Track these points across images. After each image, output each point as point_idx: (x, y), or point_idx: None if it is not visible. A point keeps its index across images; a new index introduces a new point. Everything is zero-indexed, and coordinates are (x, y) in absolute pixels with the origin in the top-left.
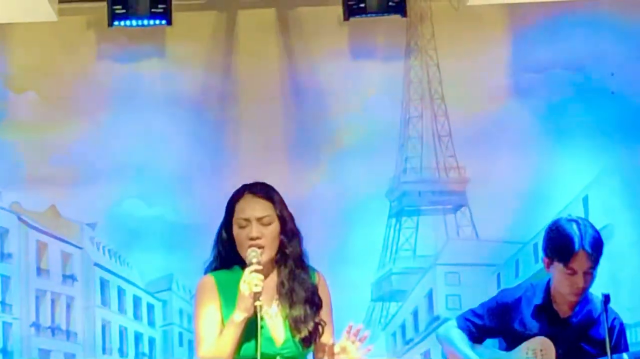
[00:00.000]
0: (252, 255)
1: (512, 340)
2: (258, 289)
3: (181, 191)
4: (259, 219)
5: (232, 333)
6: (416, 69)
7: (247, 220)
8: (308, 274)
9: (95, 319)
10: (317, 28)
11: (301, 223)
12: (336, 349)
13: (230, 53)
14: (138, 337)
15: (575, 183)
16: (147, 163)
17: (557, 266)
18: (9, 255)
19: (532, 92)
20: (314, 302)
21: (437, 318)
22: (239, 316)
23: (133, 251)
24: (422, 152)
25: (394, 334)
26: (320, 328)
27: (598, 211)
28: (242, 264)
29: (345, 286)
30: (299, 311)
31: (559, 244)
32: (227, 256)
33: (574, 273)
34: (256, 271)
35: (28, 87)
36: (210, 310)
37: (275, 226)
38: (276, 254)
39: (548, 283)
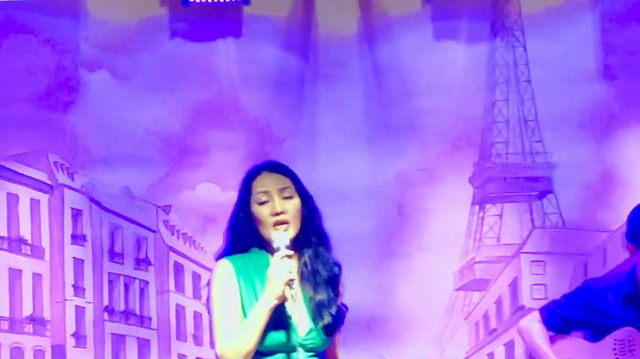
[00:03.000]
0: (279, 239)
1: (599, 331)
2: (292, 275)
3: None
4: (280, 192)
5: (260, 322)
6: (502, 51)
7: (268, 194)
8: (330, 254)
9: (170, 304)
10: (399, 7)
11: (379, 210)
12: None
13: (309, 32)
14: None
15: None
16: (221, 146)
17: None
18: (83, 237)
19: (622, 75)
20: (336, 283)
21: (522, 307)
22: (269, 302)
23: (208, 235)
24: (509, 137)
25: (476, 324)
26: (343, 313)
27: None
28: (260, 245)
29: (428, 274)
30: (322, 295)
31: None
32: (245, 239)
33: None
34: (287, 256)
35: (101, 65)
36: (230, 300)
37: (297, 201)
38: (299, 233)
39: (633, 270)
